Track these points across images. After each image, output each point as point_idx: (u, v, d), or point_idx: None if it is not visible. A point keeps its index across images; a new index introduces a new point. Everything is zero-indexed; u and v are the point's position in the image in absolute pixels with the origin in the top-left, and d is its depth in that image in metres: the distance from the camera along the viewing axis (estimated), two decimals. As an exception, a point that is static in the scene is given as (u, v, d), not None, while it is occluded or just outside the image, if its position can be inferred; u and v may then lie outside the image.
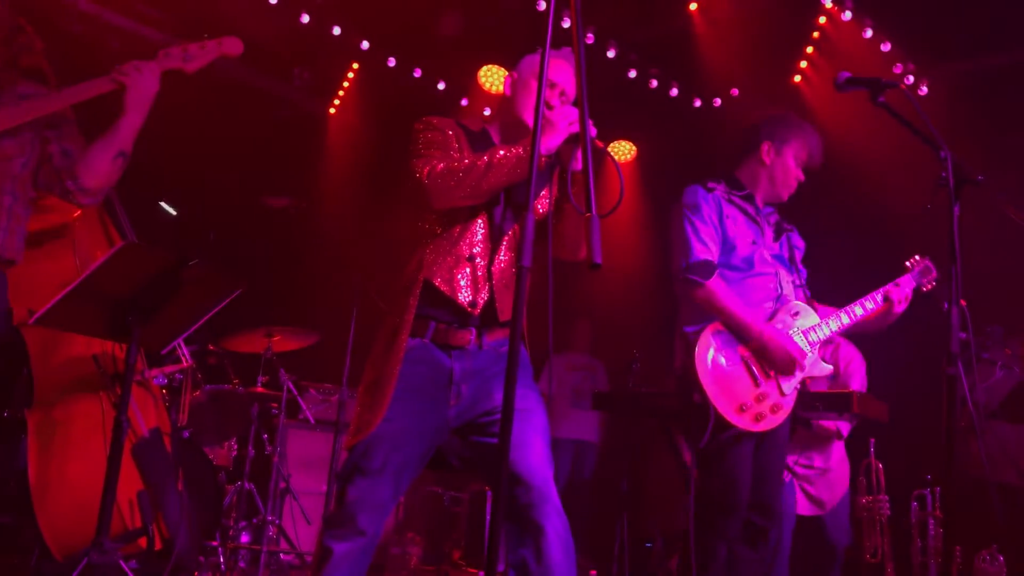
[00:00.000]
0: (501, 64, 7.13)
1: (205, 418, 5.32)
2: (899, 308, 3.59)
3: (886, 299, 3.60)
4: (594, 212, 1.91)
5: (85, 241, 3.33)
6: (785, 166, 3.58)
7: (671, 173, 7.14)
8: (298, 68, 7.54)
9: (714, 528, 3.36)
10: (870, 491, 4.75)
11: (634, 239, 7.73)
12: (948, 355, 2.51)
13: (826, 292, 3.76)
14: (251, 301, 3.72)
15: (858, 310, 3.58)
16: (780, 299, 3.53)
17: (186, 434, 4.70)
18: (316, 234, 7.43)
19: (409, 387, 2.57)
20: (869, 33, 6.25)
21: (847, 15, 6.23)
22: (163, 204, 5.43)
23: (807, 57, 6.71)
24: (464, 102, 7.56)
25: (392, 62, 7.34)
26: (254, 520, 5.52)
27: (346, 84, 7.94)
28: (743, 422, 3.30)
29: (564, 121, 2.51)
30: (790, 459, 4.42)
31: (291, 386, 5.64)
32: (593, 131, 2.29)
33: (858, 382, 4.60)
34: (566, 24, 2.14)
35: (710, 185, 3.57)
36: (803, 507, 4.46)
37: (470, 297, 2.63)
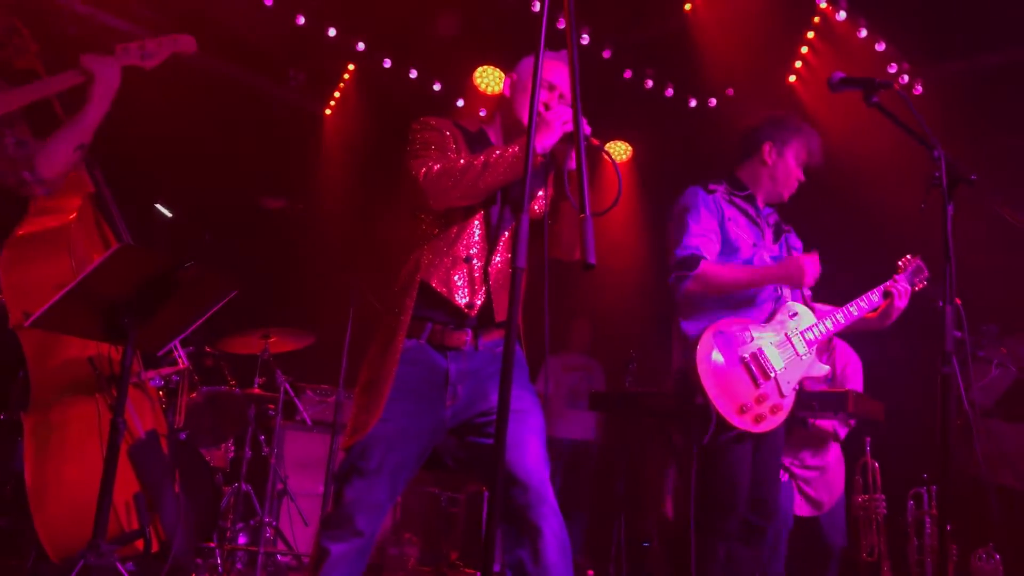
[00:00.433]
0: (497, 65, 7.13)
1: (202, 420, 5.32)
2: (900, 302, 3.60)
3: (886, 295, 3.61)
4: (588, 212, 1.91)
5: (81, 243, 3.32)
6: (786, 166, 3.60)
7: (667, 173, 7.15)
8: (293, 69, 7.53)
9: (712, 528, 3.36)
10: (866, 490, 4.76)
11: (630, 239, 7.74)
12: (943, 354, 2.52)
13: (822, 291, 3.76)
14: (248, 303, 3.71)
15: (855, 309, 3.59)
16: (779, 300, 3.55)
17: (183, 436, 4.70)
18: (312, 235, 7.42)
19: (405, 388, 2.58)
20: (863, 33, 6.26)
21: (841, 15, 6.24)
22: (159, 206, 5.42)
23: (802, 57, 6.72)
24: (460, 103, 7.56)
25: (388, 63, 7.34)
26: (251, 521, 5.52)
27: (342, 85, 7.94)
28: (744, 423, 3.30)
29: (558, 120, 2.52)
30: (788, 460, 4.43)
31: (288, 387, 5.64)
32: (587, 129, 2.29)
33: (855, 384, 4.60)
34: (562, 26, 2.14)
35: (711, 187, 3.59)
36: (801, 508, 4.47)
37: (467, 298, 2.63)
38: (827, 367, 3.61)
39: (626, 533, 5.66)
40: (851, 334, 4.03)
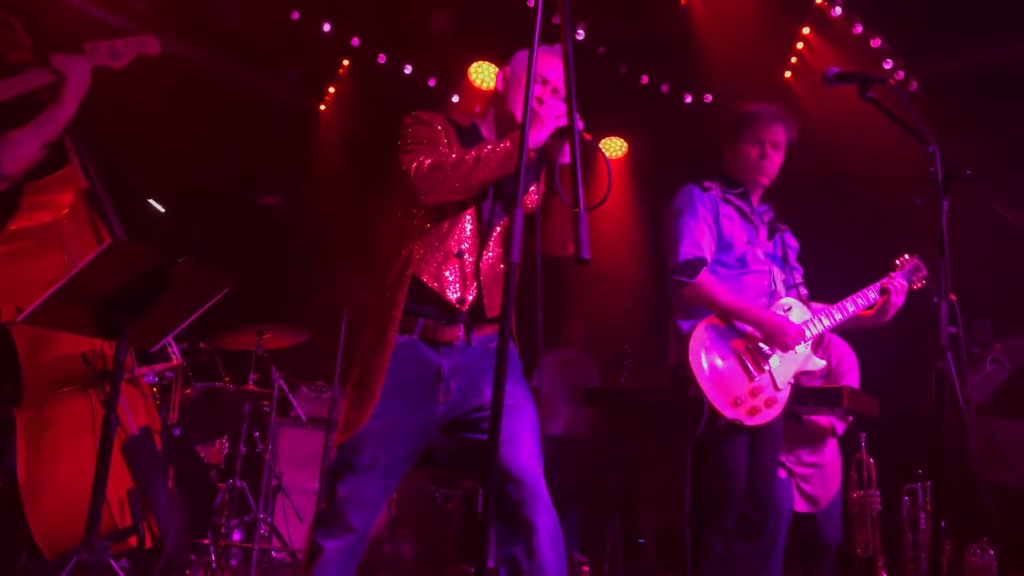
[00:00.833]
0: (492, 60, 7.12)
1: (196, 416, 5.31)
2: (897, 299, 3.60)
3: (882, 292, 3.61)
4: (581, 207, 1.91)
5: (73, 239, 3.30)
6: (741, 153, 3.60)
7: (663, 169, 7.15)
8: (288, 65, 7.52)
9: (708, 522, 3.37)
10: (861, 486, 4.76)
11: (626, 235, 7.74)
12: (938, 349, 2.52)
13: (818, 289, 3.77)
14: (242, 299, 3.71)
15: (850, 307, 3.60)
16: (773, 296, 3.56)
17: (177, 432, 4.68)
18: (307, 231, 7.42)
19: (397, 384, 2.57)
20: (859, 29, 6.26)
21: (837, 11, 6.24)
22: (152, 201, 5.40)
23: (797, 53, 6.72)
24: (455, 99, 7.55)
25: (383, 59, 7.32)
26: (246, 518, 5.51)
27: (336, 81, 7.92)
28: (738, 415, 3.31)
29: (551, 115, 2.51)
30: (785, 457, 4.44)
31: (282, 384, 5.63)
32: (580, 124, 2.29)
33: (851, 379, 4.61)
34: (557, 21, 2.14)
35: (706, 185, 3.60)
36: (798, 504, 4.47)
37: (458, 294, 2.63)
38: (824, 362, 3.61)
39: (621, 529, 5.66)
40: (847, 331, 4.03)
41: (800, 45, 6.68)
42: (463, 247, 2.65)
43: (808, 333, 3.49)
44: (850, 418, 4.56)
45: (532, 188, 2.77)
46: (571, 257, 2.75)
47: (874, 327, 3.68)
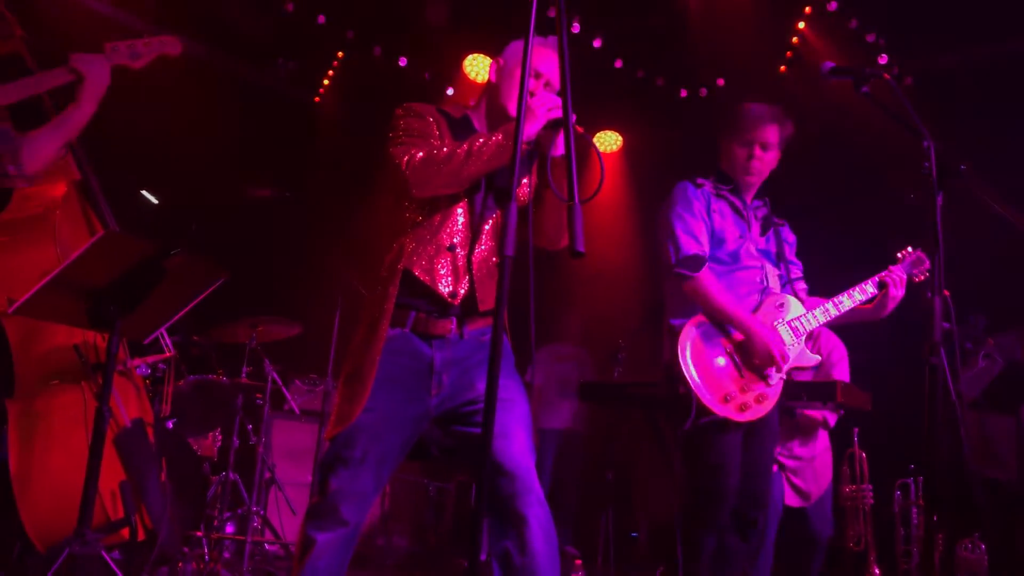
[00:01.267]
0: (487, 53, 7.10)
1: (189, 408, 5.30)
2: (896, 292, 3.60)
3: (881, 285, 3.61)
4: (576, 200, 1.90)
5: (66, 230, 3.29)
6: (731, 152, 3.60)
7: (657, 163, 7.16)
8: (282, 58, 7.49)
9: (701, 517, 3.37)
10: (854, 480, 4.77)
11: (620, 229, 7.74)
12: (931, 344, 2.52)
13: (817, 285, 3.77)
14: (235, 291, 3.69)
15: (846, 301, 3.59)
16: (765, 292, 3.56)
17: (170, 424, 4.68)
18: (301, 224, 7.40)
19: (389, 377, 2.56)
20: (854, 24, 6.26)
21: (833, 5, 6.24)
22: (145, 193, 5.38)
23: (793, 47, 6.72)
24: (450, 91, 7.54)
25: (378, 51, 7.30)
26: (239, 510, 5.50)
27: (331, 73, 7.90)
28: (728, 412, 3.31)
29: (543, 108, 2.49)
30: (777, 450, 4.44)
31: (276, 376, 5.62)
32: (572, 117, 2.28)
33: (841, 370, 4.62)
34: (553, 14, 2.13)
35: (699, 181, 3.61)
36: (789, 498, 4.48)
37: (450, 287, 2.62)
38: (818, 357, 3.61)
39: (614, 523, 5.68)
40: (840, 325, 4.03)
41: (796, 40, 6.68)
42: (455, 240, 2.65)
43: (800, 328, 3.49)
44: (841, 411, 4.57)
45: (524, 181, 2.76)
46: (563, 250, 2.75)
47: (872, 320, 3.68)
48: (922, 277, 3.73)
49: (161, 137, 6.26)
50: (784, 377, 3.45)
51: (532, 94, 2.70)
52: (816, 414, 4.50)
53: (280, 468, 5.81)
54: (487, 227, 2.70)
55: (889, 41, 6.30)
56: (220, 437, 5.60)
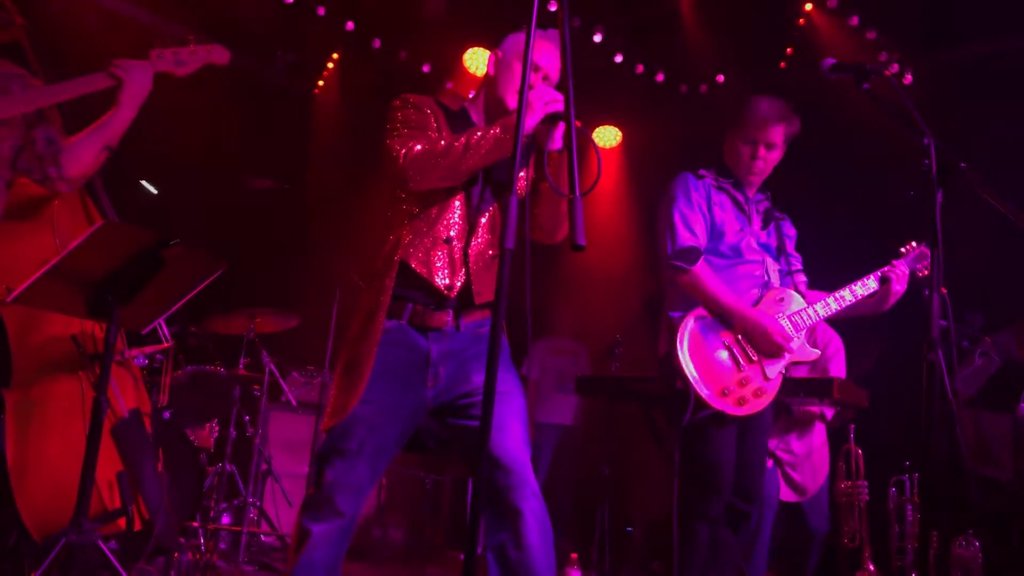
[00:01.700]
0: (487, 47, 7.09)
1: (186, 399, 5.30)
2: (898, 287, 3.59)
3: (883, 280, 3.61)
4: (577, 193, 1.90)
5: (64, 219, 3.29)
6: (736, 149, 3.60)
7: (657, 159, 7.15)
8: (281, 50, 7.47)
9: (696, 511, 3.38)
10: (849, 476, 4.78)
11: (619, 224, 7.74)
12: (928, 341, 2.52)
13: (818, 280, 3.77)
14: (234, 283, 3.69)
15: (848, 295, 3.59)
16: (766, 286, 3.56)
17: (167, 415, 4.67)
18: (299, 216, 7.39)
19: (386, 369, 2.56)
20: (855, 21, 6.26)
21: (833, 2, 6.23)
22: (144, 183, 5.38)
23: (793, 43, 6.71)
24: (449, 85, 7.52)
25: (377, 44, 7.29)
26: (235, 502, 5.51)
27: (330, 66, 7.88)
28: (726, 405, 3.31)
29: (540, 101, 2.47)
30: (774, 444, 4.45)
31: (273, 368, 5.62)
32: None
33: (837, 362, 4.62)
34: (553, 8, 2.12)
35: (700, 172, 3.61)
36: (785, 494, 4.49)
37: (447, 280, 2.62)
38: (818, 352, 3.61)
39: (610, 518, 5.68)
40: (838, 320, 4.03)
41: (796, 36, 6.67)
42: (452, 233, 2.64)
43: (801, 322, 3.50)
44: (838, 406, 4.58)
45: (521, 174, 2.76)
46: (559, 244, 2.76)
47: (873, 314, 3.68)
48: (926, 272, 3.72)
49: (160, 127, 6.24)
50: (782, 372, 3.44)
51: (531, 87, 2.70)
52: (814, 408, 4.51)
53: (277, 460, 5.82)
54: (484, 220, 2.70)
55: (889, 38, 6.30)
56: (217, 428, 5.61)
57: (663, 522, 3.52)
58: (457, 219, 2.66)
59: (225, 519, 5.46)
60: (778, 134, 3.54)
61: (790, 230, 3.77)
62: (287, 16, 6.91)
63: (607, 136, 7.93)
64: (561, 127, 2.46)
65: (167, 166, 6.22)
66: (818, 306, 3.55)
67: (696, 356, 3.34)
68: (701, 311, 3.42)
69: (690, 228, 3.47)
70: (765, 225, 3.67)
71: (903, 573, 4.75)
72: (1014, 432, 4.89)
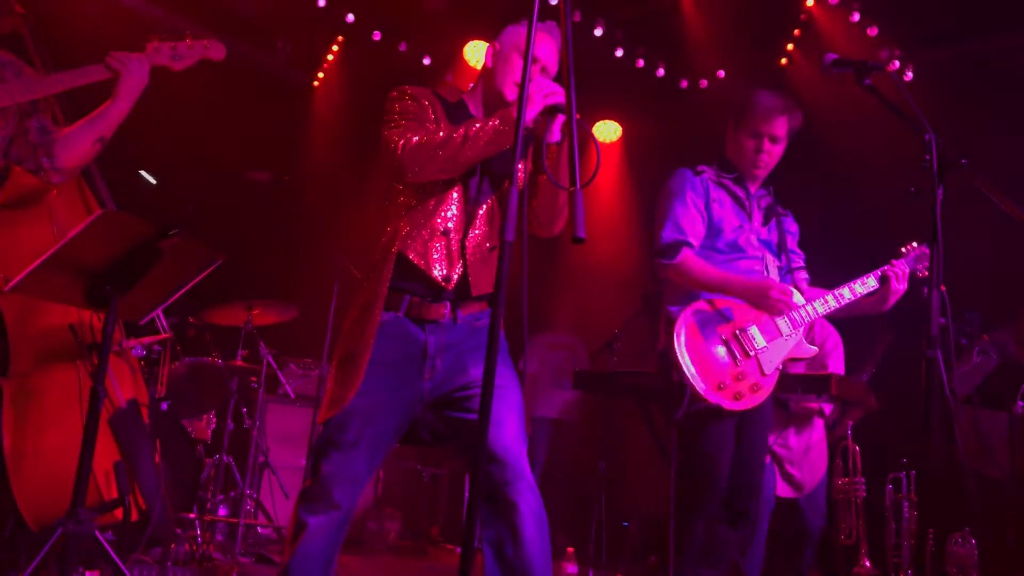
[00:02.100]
0: (487, 39, 7.06)
1: (184, 390, 5.30)
2: (898, 286, 3.58)
3: (883, 279, 3.60)
4: (578, 186, 1.90)
5: (62, 209, 3.28)
6: (740, 143, 3.60)
7: (657, 154, 7.14)
8: (281, 41, 7.45)
9: (692, 506, 3.38)
10: (846, 473, 4.78)
11: (618, 218, 7.73)
12: (927, 338, 2.52)
13: (818, 277, 3.77)
14: (232, 274, 3.69)
15: (847, 293, 3.58)
16: (764, 282, 3.55)
17: (164, 406, 4.67)
18: (298, 207, 7.38)
19: (383, 361, 2.56)
20: (856, 17, 6.25)
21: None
22: (143, 173, 5.36)
23: (794, 39, 6.70)
24: (449, 78, 7.51)
25: (378, 36, 7.27)
26: (232, 493, 5.51)
27: (330, 57, 7.87)
28: (721, 399, 3.31)
29: (539, 93, 2.46)
30: (772, 439, 4.45)
31: (271, 360, 5.62)
32: (565, 101, 2.27)
33: (835, 358, 4.62)
34: (554, 2, 2.12)
35: (699, 168, 3.60)
36: (782, 489, 4.49)
37: (444, 271, 2.61)
38: (815, 348, 3.61)
39: (606, 512, 5.69)
40: (840, 317, 4.02)
41: (797, 31, 6.66)
42: (449, 225, 2.64)
43: (799, 318, 3.49)
44: (836, 401, 4.57)
45: (519, 167, 2.75)
46: (556, 237, 2.75)
47: (874, 313, 3.67)
48: (926, 273, 3.72)
49: (159, 117, 6.22)
50: (780, 367, 3.44)
51: (530, 79, 2.69)
52: (812, 404, 4.51)
53: (274, 452, 5.82)
54: (481, 212, 2.69)
55: (891, 35, 6.29)
56: (214, 420, 5.61)
57: (659, 517, 3.51)
58: (455, 211, 2.66)
59: (222, 511, 5.45)
60: (782, 127, 3.54)
61: (792, 226, 3.77)
62: (287, 7, 6.90)
63: (607, 131, 7.93)
64: (559, 119, 2.46)
65: (166, 156, 6.20)
66: (817, 303, 3.55)
67: (693, 350, 3.34)
68: (699, 305, 3.42)
69: (676, 224, 3.48)
70: (766, 221, 3.67)
71: (899, 570, 4.75)
72: (1011, 430, 4.90)
